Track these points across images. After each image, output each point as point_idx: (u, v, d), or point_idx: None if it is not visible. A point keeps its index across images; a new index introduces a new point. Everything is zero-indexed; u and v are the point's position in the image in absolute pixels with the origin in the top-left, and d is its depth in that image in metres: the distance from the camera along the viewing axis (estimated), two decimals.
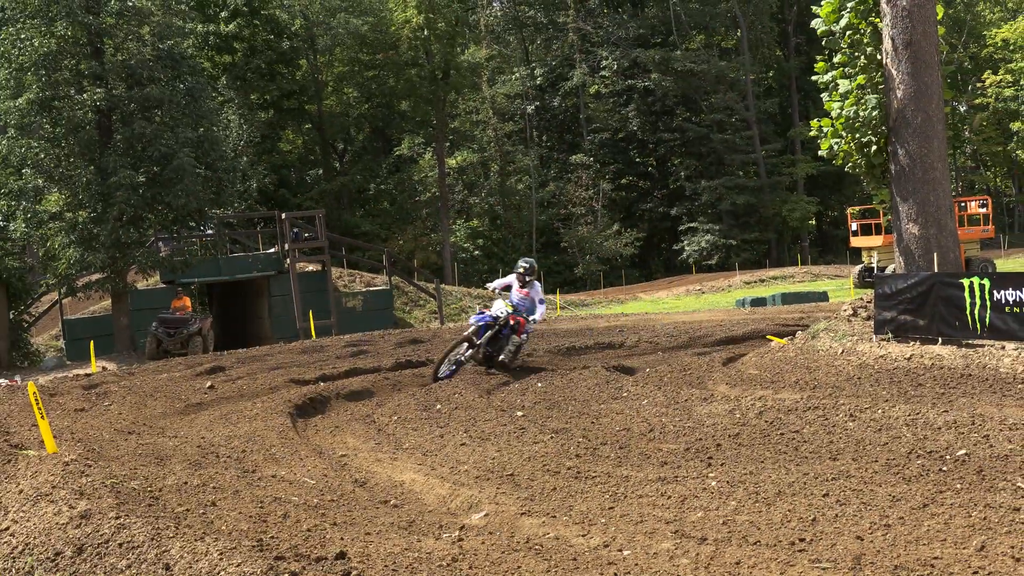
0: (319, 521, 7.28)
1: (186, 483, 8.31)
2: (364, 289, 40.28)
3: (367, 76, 66.90)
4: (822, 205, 76.42)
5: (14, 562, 6.58)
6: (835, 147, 17.33)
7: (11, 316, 31.37)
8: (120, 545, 6.28)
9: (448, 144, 72.10)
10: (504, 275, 16.99)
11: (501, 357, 15.63)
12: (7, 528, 7.10)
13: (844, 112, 16.92)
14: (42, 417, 9.22)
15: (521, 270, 16.31)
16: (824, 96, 17.66)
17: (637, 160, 77.39)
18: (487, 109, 74.83)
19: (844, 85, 17.07)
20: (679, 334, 20.79)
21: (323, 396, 14.11)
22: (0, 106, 29.93)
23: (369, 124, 70.22)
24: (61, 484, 7.69)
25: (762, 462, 8.87)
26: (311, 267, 39.31)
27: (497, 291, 16.63)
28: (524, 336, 15.97)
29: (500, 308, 15.78)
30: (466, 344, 15.72)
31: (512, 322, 15.70)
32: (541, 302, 16.27)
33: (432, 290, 41.12)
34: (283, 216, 36.28)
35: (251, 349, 24.68)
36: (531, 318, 15.89)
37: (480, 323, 15.68)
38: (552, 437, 10.44)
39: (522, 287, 16.28)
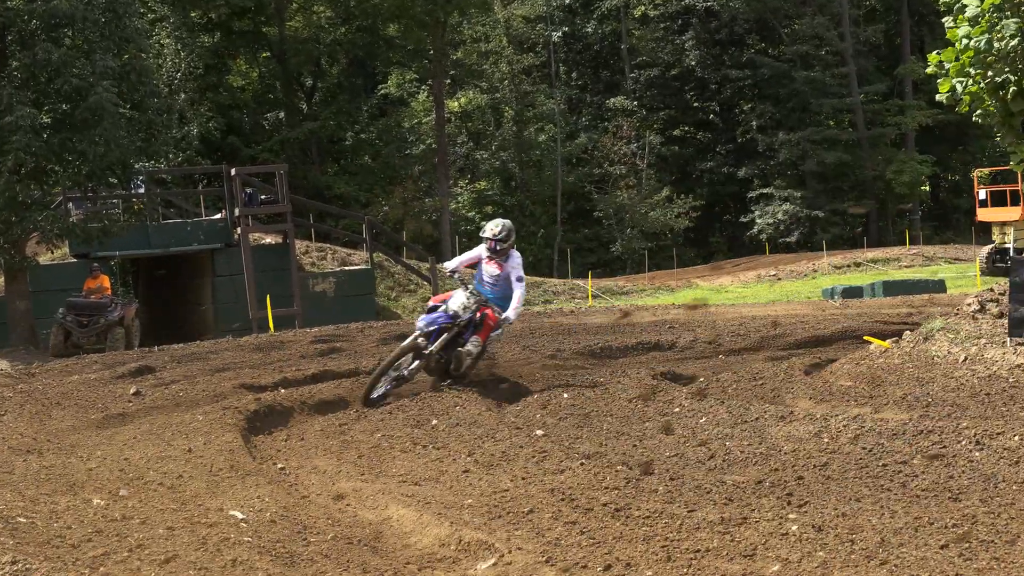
0: (279, 569, 7.28)
1: (104, 517, 8.33)
2: (338, 269, 40.37)
3: None
4: (939, 166, 76.07)
5: None
6: (959, 89, 17.19)
7: None
8: None
9: (449, 82, 72.07)
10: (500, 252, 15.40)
11: (455, 365, 14.77)
12: None
13: (973, 43, 16.77)
14: None
15: (491, 234, 15.09)
16: (946, 21, 17.50)
17: (695, 105, 77.33)
18: (500, 36, 74.60)
19: (973, 6, 16.92)
20: (748, 333, 20.79)
21: (284, 406, 14.11)
22: None
23: (346, 54, 70.20)
24: None
25: (859, 501, 8.85)
26: (269, 239, 39.40)
27: (456, 276, 15.30)
28: (497, 333, 15.13)
29: (461, 303, 14.65)
30: (411, 354, 14.69)
31: (478, 316, 14.70)
32: (519, 280, 15.09)
33: (426, 271, 41.19)
34: (233, 172, 36.32)
35: (189, 345, 24.75)
36: (504, 316, 14.78)
37: (433, 327, 14.57)
38: (582, 464, 10.43)
39: (491, 258, 15.20)
